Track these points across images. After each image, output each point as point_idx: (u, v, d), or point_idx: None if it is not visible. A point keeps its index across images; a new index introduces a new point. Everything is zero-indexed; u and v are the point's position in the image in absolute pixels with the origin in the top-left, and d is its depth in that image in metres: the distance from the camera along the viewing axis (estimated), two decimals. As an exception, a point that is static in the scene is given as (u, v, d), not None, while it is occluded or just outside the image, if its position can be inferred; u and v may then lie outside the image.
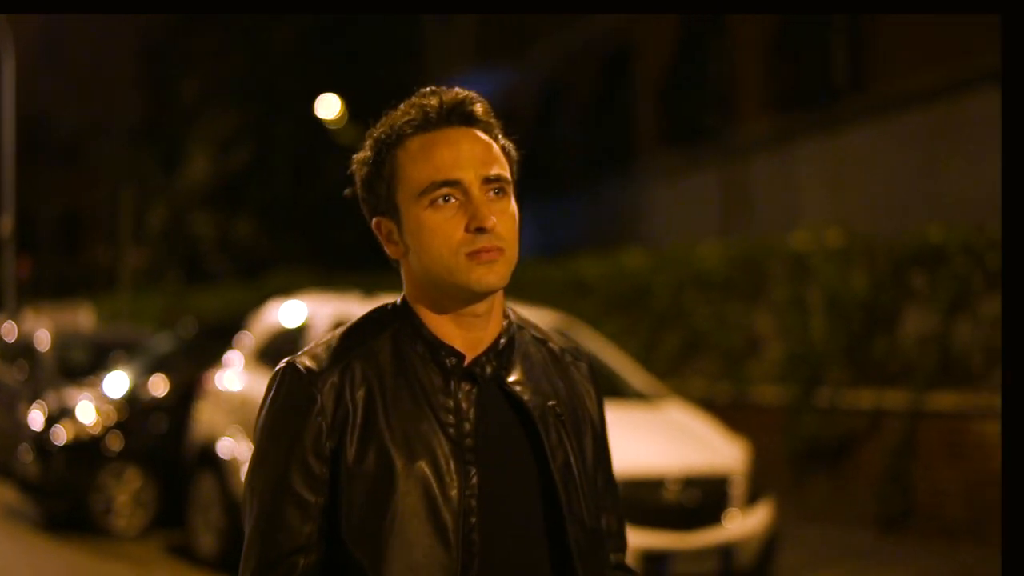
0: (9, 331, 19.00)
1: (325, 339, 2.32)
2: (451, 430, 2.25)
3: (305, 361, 2.26)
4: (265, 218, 22.47)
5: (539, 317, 10.02)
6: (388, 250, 2.32)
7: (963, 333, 10.50)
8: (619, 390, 9.05)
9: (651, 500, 7.70)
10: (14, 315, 23.21)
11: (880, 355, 11.01)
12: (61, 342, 16.51)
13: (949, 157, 14.61)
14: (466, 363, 2.29)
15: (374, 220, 2.32)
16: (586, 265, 14.84)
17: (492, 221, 2.21)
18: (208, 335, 13.57)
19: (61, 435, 12.56)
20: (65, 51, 49.19)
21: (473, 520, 2.22)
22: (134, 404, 12.74)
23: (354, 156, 2.36)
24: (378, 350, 2.28)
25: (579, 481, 2.32)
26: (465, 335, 2.29)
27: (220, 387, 10.93)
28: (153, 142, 25.11)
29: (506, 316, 2.36)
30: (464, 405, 2.26)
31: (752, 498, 8.20)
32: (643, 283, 13.45)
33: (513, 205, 2.26)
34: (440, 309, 2.28)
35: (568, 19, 23.68)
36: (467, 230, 2.21)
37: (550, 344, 2.44)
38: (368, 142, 2.35)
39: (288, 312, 10.72)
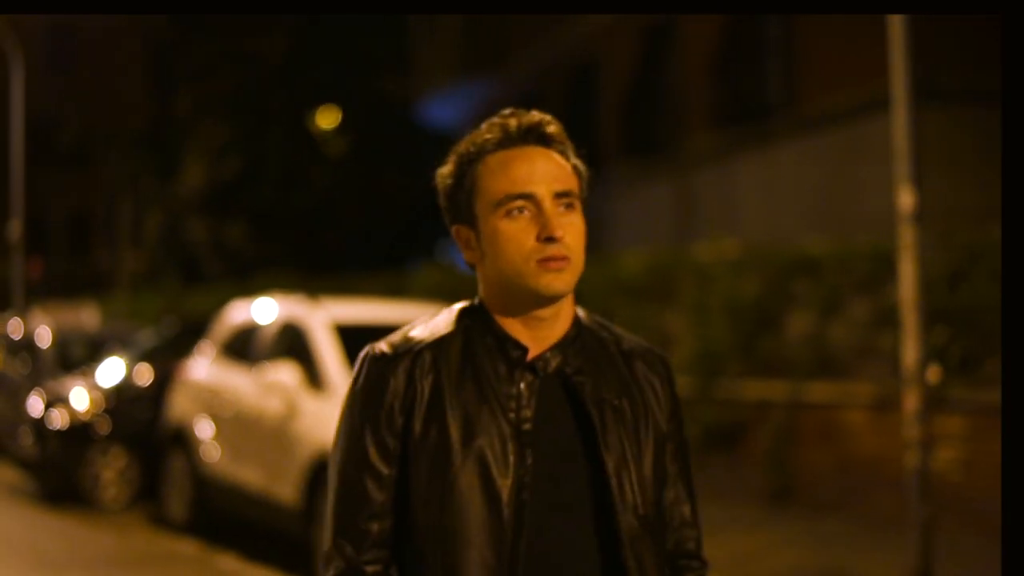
0: (15, 328, 20.63)
1: (404, 329, 2.55)
2: (511, 415, 2.42)
3: (383, 348, 2.49)
4: (255, 223, 23.93)
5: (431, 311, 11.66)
6: (465, 256, 2.54)
7: (836, 333, 12.01)
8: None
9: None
10: (23, 314, 24.66)
11: (767, 352, 12.54)
12: (61, 338, 18.12)
13: (860, 173, 16.09)
14: (530, 357, 2.47)
15: (454, 228, 2.53)
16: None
17: (561, 232, 2.40)
18: (189, 331, 15.12)
19: (56, 420, 14.16)
20: (73, 56, 50.33)
21: (526, 496, 2.39)
22: (121, 392, 14.33)
23: (438, 170, 2.54)
24: (450, 341, 2.48)
25: (633, 472, 2.47)
26: (532, 334, 2.47)
27: (191, 377, 12.51)
28: (151, 151, 26.53)
29: (576, 317, 2.54)
30: (525, 393, 2.44)
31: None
32: (577, 287, 14.97)
33: (580, 218, 2.47)
34: (510, 310, 2.47)
35: (542, 31, 25.15)
36: (538, 239, 2.40)
37: (621, 344, 2.59)
38: (452, 157, 2.52)
39: (246, 312, 12.30)
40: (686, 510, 2.62)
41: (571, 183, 2.47)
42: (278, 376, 10.49)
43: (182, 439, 12.22)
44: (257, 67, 25.04)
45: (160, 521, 12.79)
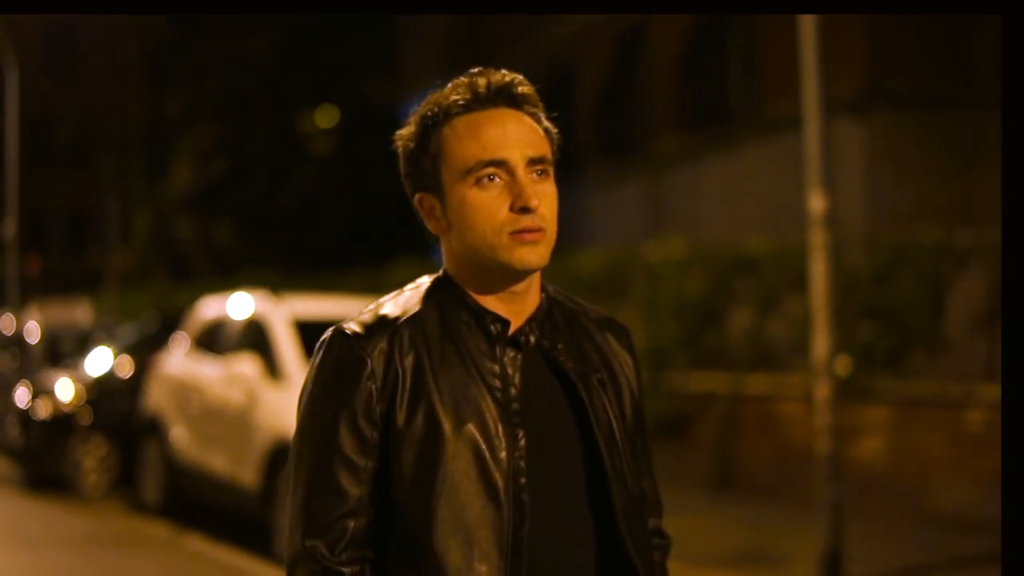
0: (7, 324, 21.37)
1: (371, 307, 2.34)
2: (498, 394, 2.27)
3: (354, 327, 2.28)
4: (242, 222, 24.65)
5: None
6: (429, 225, 2.35)
7: (773, 328, 12.68)
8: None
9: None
10: (16, 311, 25.37)
11: (711, 346, 13.22)
12: (51, 334, 18.85)
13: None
14: (510, 332, 2.32)
15: (417, 196, 2.35)
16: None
17: (536, 202, 2.24)
18: (168, 326, 15.80)
19: (40, 410, 14.85)
20: (72, 57, 50.98)
21: (523, 481, 2.25)
22: (102, 384, 15.02)
23: (398, 132, 2.39)
24: (425, 317, 2.30)
25: (621, 444, 2.36)
26: (506, 308, 2.32)
27: (165, 369, 13.20)
28: (141, 152, 27.25)
29: (543, 290, 2.38)
30: (510, 370, 2.30)
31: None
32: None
33: (553, 186, 2.31)
34: (480, 284, 2.31)
35: (522, 34, 25.83)
36: (511, 209, 2.25)
37: (588, 314, 2.47)
38: (413, 119, 2.36)
39: (216, 308, 12.99)
40: (650, 486, 2.53)
41: (544, 148, 2.31)
42: (240, 368, 11.19)
43: (156, 428, 12.90)
44: (245, 70, 25.74)
45: (137, 506, 13.47)
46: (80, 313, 25.05)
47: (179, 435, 12.40)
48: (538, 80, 2.36)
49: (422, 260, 20.00)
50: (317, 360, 2.31)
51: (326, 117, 26.47)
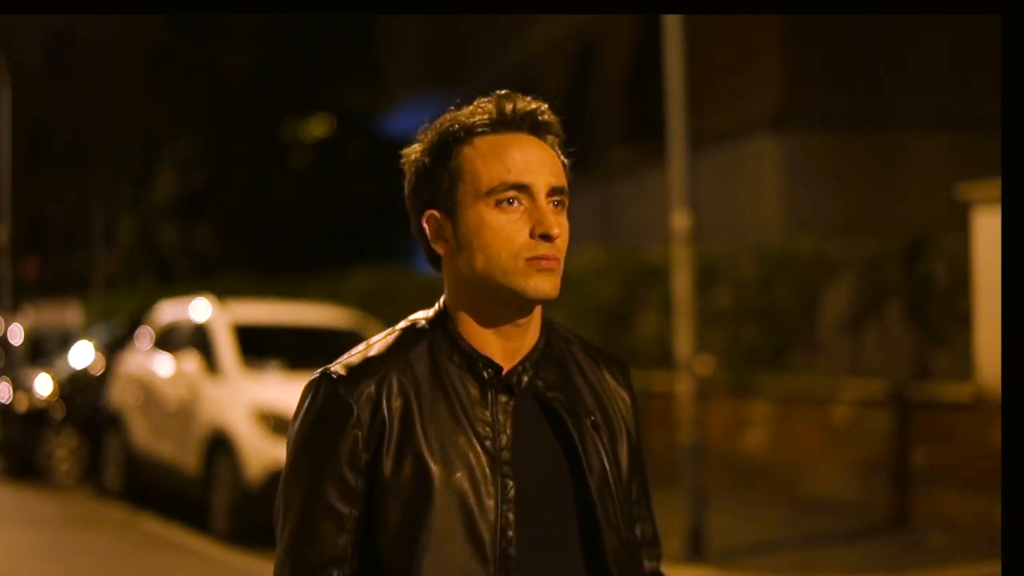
0: (-2, 326, 22.80)
1: (361, 349, 2.28)
2: (488, 443, 2.22)
3: (340, 371, 2.22)
4: (222, 229, 25.99)
5: (335, 314, 13.75)
6: (435, 246, 2.27)
7: (683, 331, 13.93)
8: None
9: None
10: (11, 313, 26.69)
11: (623, 347, 14.49)
12: (35, 334, 20.26)
13: (743, 186, 18.03)
14: (503, 373, 2.25)
15: (425, 213, 2.26)
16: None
17: (557, 231, 2.19)
18: (136, 327, 17.11)
19: (20, 405, 16.21)
20: (72, 62, 52.16)
21: (510, 534, 2.20)
22: (75, 381, 16.36)
23: (406, 149, 2.31)
24: (414, 361, 2.24)
25: (615, 490, 2.30)
26: (504, 344, 2.25)
27: (126, 367, 14.52)
28: (128, 160, 28.55)
29: (544, 324, 2.33)
30: (501, 417, 2.23)
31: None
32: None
33: (567, 220, 2.26)
34: (481, 315, 2.24)
35: (495, 48, 27.11)
36: (531, 235, 2.19)
37: (586, 351, 2.40)
38: (428, 134, 2.29)
39: (171, 311, 14.31)
40: (649, 527, 2.46)
41: (563, 179, 2.28)
42: (185, 366, 12.52)
43: (117, 421, 14.21)
44: (227, 81, 27.06)
45: (101, 492, 14.78)
46: (70, 315, 26.38)
47: (136, 427, 13.71)
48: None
49: (380, 267, 21.26)
50: (304, 403, 2.25)
51: (319, 126, 27.75)
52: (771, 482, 12.79)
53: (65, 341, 19.73)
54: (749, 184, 17.90)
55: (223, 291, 18.80)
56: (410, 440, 2.20)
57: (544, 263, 2.19)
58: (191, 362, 12.46)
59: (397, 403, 2.21)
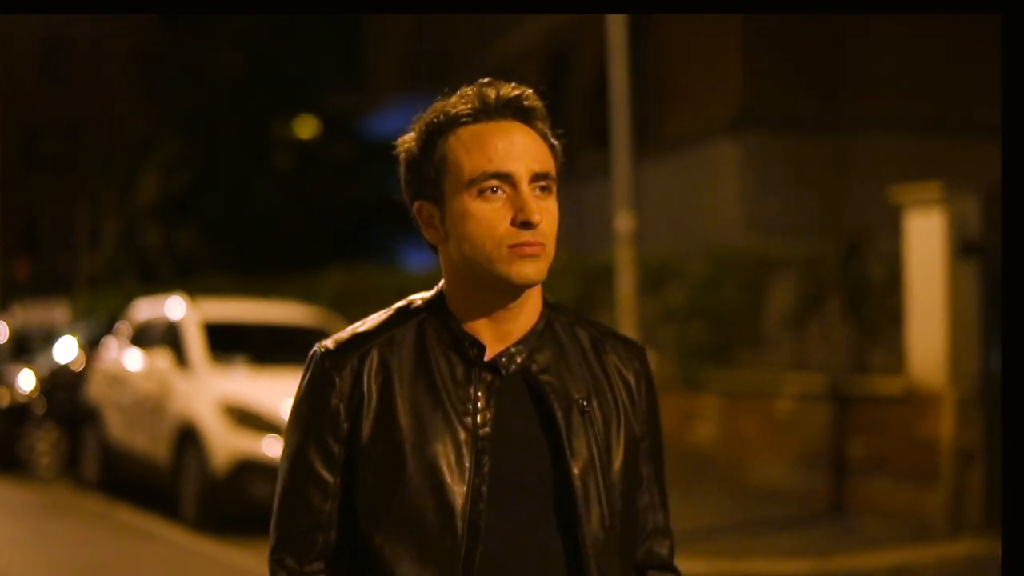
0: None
1: (354, 325, 2.37)
2: (467, 419, 2.26)
3: (328, 346, 2.32)
4: (204, 230, 26.56)
5: (301, 313, 14.32)
6: (427, 235, 2.33)
7: (626, 328, 14.49)
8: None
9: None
10: (1, 312, 27.23)
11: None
12: (20, 332, 20.84)
13: (706, 189, 18.60)
14: (492, 354, 2.29)
15: (416, 203, 2.32)
16: (404, 275, 19.09)
17: (538, 217, 2.22)
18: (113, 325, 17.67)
19: (3, 400, 16.77)
20: (66, 62, 52.57)
21: (482, 507, 2.23)
22: (56, 377, 16.91)
23: (400, 139, 2.36)
24: (401, 338, 2.31)
25: (600, 476, 2.29)
26: (495, 326, 2.29)
27: (102, 363, 15.07)
28: (119, 162, 29.11)
29: (544, 308, 2.35)
30: (483, 396, 2.27)
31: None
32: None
33: (555, 203, 2.29)
34: (473, 298, 2.29)
35: (475, 49, 27.65)
36: (513, 223, 2.22)
37: (593, 336, 2.40)
38: (417, 125, 2.34)
39: (146, 309, 14.87)
40: (660, 516, 2.46)
41: (549, 164, 2.30)
42: (157, 361, 13.08)
43: (94, 415, 14.76)
44: (211, 85, 27.61)
45: (80, 483, 15.33)
46: (58, 314, 26.94)
47: (112, 421, 14.25)
48: None
49: (353, 267, 21.79)
50: (302, 377, 2.36)
51: (305, 128, 28.27)
52: (718, 472, 13.35)
53: (49, 338, 20.27)
54: (710, 185, 18.46)
55: (204, 290, 19.35)
56: (388, 413, 2.26)
57: (527, 249, 2.22)
58: (163, 358, 13.01)
59: (378, 377, 2.28)
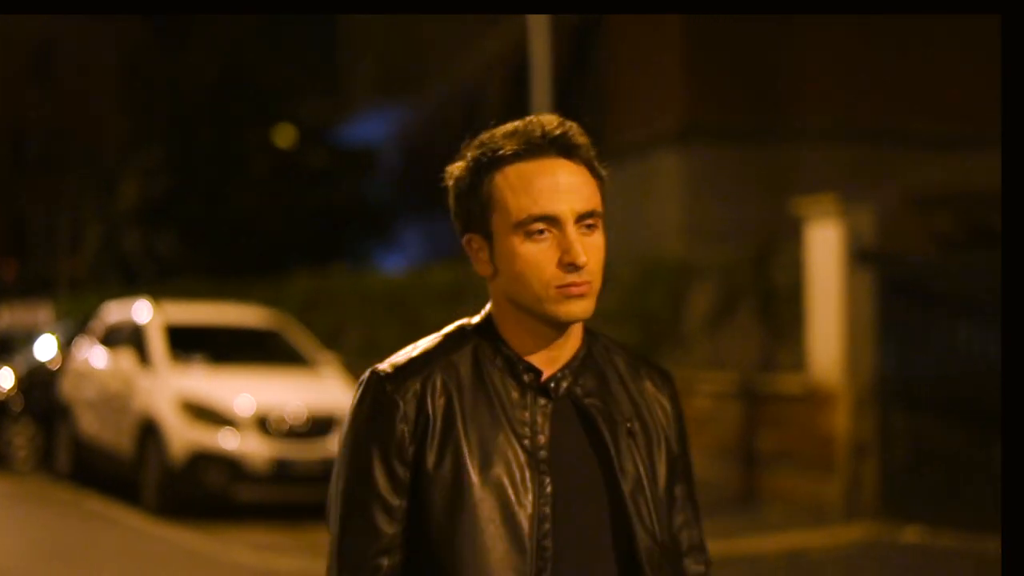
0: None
1: (408, 349, 2.42)
2: (526, 441, 2.33)
3: (387, 370, 2.36)
4: (184, 234, 27.57)
5: (257, 315, 15.37)
6: (477, 268, 2.40)
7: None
8: (295, 359, 14.26)
9: (280, 425, 12.78)
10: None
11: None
12: (0, 333, 21.87)
13: (644, 199, 19.58)
14: (543, 379, 2.36)
15: (466, 236, 2.39)
16: (368, 280, 20.14)
17: (584, 259, 2.28)
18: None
19: (-19, 397, 17.77)
20: (55, 66, 53.20)
21: (547, 527, 2.31)
22: (33, 375, 17.93)
23: (448, 168, 2.41)
24: (459, 362, 2.37)
25: (649, 495, 2.39)
26: (544, 354, 2.37)
27: (75, 362, 16.09)
28: (93, 169, 30.05)
29: (585, 332, 2.44)
30: (539, 419, 2.35)
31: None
32: (397, 293, 18.79)
33: (602, 237, 2.36)
34: (522, 328, 2.36)
35: (446, 59, 28.58)
36: (559, 265, 2.28)
37: (628, 361, 2.50)
38: (465, 161, 2.39)
39: (116, 311, 15.90)
40: (695, 533, 2.53)
41: (595, 201, 2.36)
42: (122, 360, 14.11)
43: (67, 412, 15.77)
44: (189, 95, 28.58)
45: (54, 476, 16.33)
46: (42, 315, 27.92)
47: (82, 416, 15.26)
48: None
49: (319, 271, 22.69)
50: (355, 401, 2.39)
51: (283, 136, 29.23)
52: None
53: (30, 338, 21.24)
54: (654, 195, 19.43)
55: (180, 293, 20.31)
56: (452, 436, 2.32)
57: (574, 290, 2.30)
58: (128, 358, 14.04)
59: (440, 401, 2.34)
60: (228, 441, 12.67)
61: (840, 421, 12.18)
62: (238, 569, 10.95)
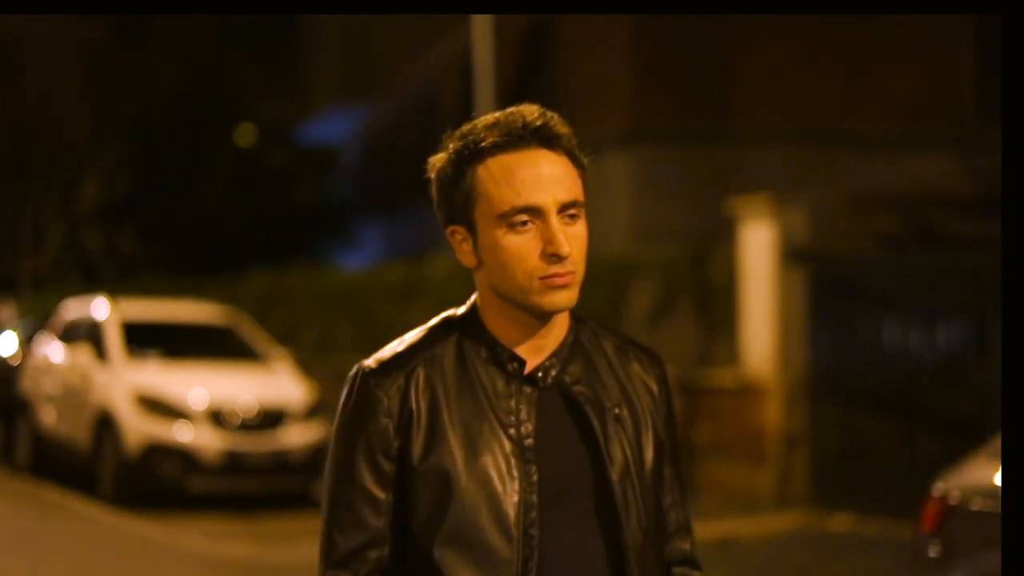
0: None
1: (394, 344, 2.45)
2: (512, 431, 2.36)
3: (372, 365, 2.40)
4: (144, 233, 27.92)
5: (210, 312, 15.78)
6: (461, 258, 2.42)
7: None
8: (248, 354, 14.67)
9: (232, 418, 13.19)
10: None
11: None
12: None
13: (593, 199, 20.01)
14: (529, 368, 2.39)
15: (449, 228, 2.41)
16: (324, 278, 20.58)
17: (567, 249, 2.30)
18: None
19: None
20: (14, 66, 53.24)
21: (533, 515, 2.34)
22: (-5, 370, 18.30)
23: (430, 160, 2.42)
24: (443, 355, 2.39)
25: (636, 480, 2.41)
26: (530, 343, 2.39)
27: (35, 357, 16.46)
28: (60, 168, 30.28)
29: (572, 319, 2.48)
30: (525, 408, 2.37)
31: (309, 420, 13.66)
32: (351, 290, 19.21)
33: (584, 226, 2.37)
34: (507, 318, 2.38)
35: (404, 59, 28.93)
36: (543, 255, 2.31)
37: (617, 345, 2.52)
38: (447, 152, 2.40)
39: (74, 308, 16.28)
40: (682, 514, 2.57)
41: (576, 191, 2.36)
42: (80, 355, 14.50)
43: (27, 406, 16.13)
44: (149, 95, 28.91)
45: (15, 469, 16.67)
46: (5, 313, 28.20)
47: (42, 411, 15.63)
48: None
49: (276, 269, 23.00)
50: (342, 397, 2.43)
51: (244, 136, 29.58)
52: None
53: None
54: (603, 195, 19.86)
55: (141, 291, 20.62)
56: (438, 428, 2.35)
57: (558, 280, 2.32)
58: (85, 353, 14.43)
59: (425, 394, 2.36)
60: (182, 433, 13.10)
61: (772, 414, 12.65)
62: (188, 556, 11.33)
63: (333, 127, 31.73)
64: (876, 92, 19.56)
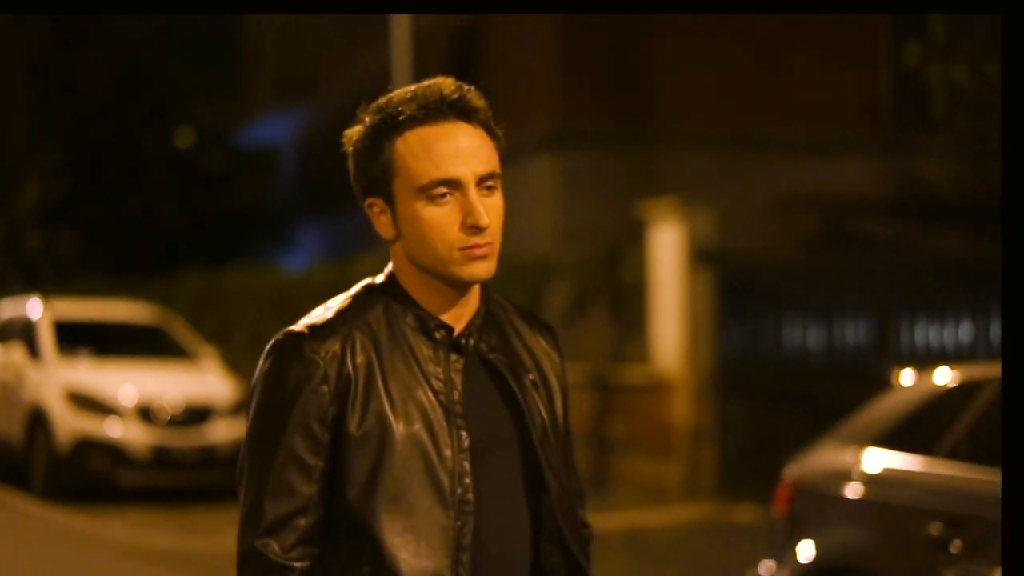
0: None
1: (320, 312, 2.44)
2: (442, 396, 2.40)
3: (305, 331, 2.38)
4: (83, 235, 28.21)
5: (140, 311, 16.20)
6: (380, 231, 2.44)
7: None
8: (177, 352, 15.13)
9: (160, 414, 13.64)
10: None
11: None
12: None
13: (519, 201, 20.51)
14: (454, 335, 2.45)
15: (367, 200, 2.43)
16: (255, 279, 21.07)
17: (486, 220, 2.35)
18: None
19: None
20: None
21: (467, 481, 2.40)
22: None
23: (346, 133, 2.46)
24: (373, 321, 2.41)
25: (553, 443, 2.52)
26: (452, 312, 2.45)
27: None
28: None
29: (483, 292, 2.52)
30: (452, 374, 2.43)
31: (235, 416, 14.10)
32: (282, 291, 19.69)
33: (501, 197, 2.43)
34: (427, 288, 2.43)
35: (345, 61, 29.30)
36: (462, 227, 2.35)
37: (522, 316, 2.61)
38: (363, 125, 2.44)
39: (9, 308, 16.68)
40: (575, 478, 2.63)
41: (494, 162, 2.40)
42: (13, 353, 14.92)
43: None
44: (86, 98, 29.19)
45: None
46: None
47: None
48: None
49: (209, 270, 23.34)
50: (268, 364, 2.39)
51: (183, 138, 29.91)
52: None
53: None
54: (529, 198, 20.35)
55: (78, 292, 20.91)
56: (373, 395, 2.37)
57: (477, 251, 2.37)
58: (18, 351, 14.86)
59: (360, 360, 2.37)
60: (111, 429, 13.53)
61: (681, 409, 13.19)
62: (114, 546, 11.75)
63: (272, 130, 32.10)
64: (797, 97, 20.06)
